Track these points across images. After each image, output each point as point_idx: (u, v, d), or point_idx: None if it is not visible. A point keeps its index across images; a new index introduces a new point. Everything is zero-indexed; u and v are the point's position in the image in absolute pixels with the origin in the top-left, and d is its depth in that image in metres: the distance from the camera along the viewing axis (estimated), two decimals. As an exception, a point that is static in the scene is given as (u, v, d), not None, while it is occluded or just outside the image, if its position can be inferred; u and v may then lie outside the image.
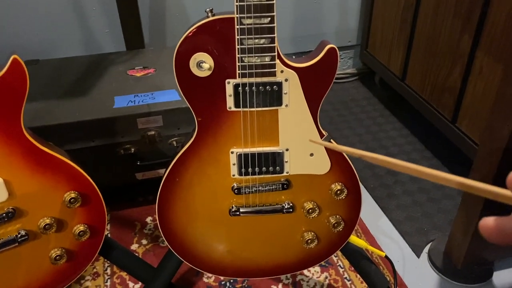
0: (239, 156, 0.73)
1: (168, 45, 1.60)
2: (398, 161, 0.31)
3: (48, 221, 0.74)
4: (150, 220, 1.18)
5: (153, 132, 1.09)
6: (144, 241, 1.12)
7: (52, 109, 1.07)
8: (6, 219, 0.71)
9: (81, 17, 1.47)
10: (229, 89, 0.69)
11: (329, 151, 0.74)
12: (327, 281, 1.02)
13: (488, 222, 0.25)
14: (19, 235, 0.73)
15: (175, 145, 1.11)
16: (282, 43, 1.71)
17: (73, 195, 0.74)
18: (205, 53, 0.67)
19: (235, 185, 0.76)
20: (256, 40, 0.65)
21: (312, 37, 1.74)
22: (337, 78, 1.84)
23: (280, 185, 0.76)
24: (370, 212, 1.22)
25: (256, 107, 0.70)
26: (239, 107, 0.70)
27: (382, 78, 1.68)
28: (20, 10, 1.41)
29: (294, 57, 0.66)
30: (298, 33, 1.72)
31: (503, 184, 0.32)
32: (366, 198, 1.26)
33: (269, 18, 0.63)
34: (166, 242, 0.81)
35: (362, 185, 1.30)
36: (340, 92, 1.79)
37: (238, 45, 0.65)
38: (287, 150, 0.74)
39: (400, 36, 1.50)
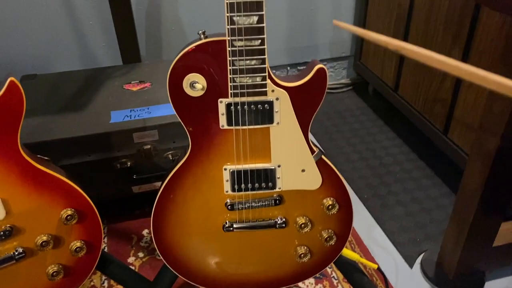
0: (232, 172, 0.75)
1: (164, 58, 1.62)
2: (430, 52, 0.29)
3: (45, 238, 0.75)
4: (147, 233, 1.19)
5: (149, 146, 1.10)
6: (140, 254, 1.13)
7: (49, 124, 1.08)
8: (3, 237, 0.72)
9: (78, 32, 1.49)
10: (222, 108, 0.70)
11: (321, 166, 0.76)
12: (321, 293, 1.03)
13: None
14: (16, 253, 0.74)
15: (171, 158, 1.13)
16: (277, 55, 1.74)
17: (69, 212, 0.75)
18: (198, 74, 0.68)
19: (229, 201, 0.77)
20: (248, 61, 0.67)
21: (306, 48, 1.76)
22: (331, 89, 1.86)
23: (273, 200, 0.78)
24: (364, 222, 1.23)
25: (248, 125, 0.72)
26: (232, 125, 0.72)
27: (376, 88, 1.70)
28: (18, 24, 1.42)
29: (289, 68, 0.68)
30: (292, 45, 1.74)
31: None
32: (360, 209, 1.28)
33: (260, 40, 0.65)
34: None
35: (356, 196, 1.32)
36: (334, 102, 1.81)
37: (230, 66, 0.67)
38: (279, 166, 0.75)
39: (392, 47, 1.52)
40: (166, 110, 1.13)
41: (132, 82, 1.26)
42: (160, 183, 0.78)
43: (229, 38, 0.65)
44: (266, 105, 0.70)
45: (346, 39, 1.81)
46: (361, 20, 1.69)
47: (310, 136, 0.76)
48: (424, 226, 1.21)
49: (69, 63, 1.52)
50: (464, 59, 1.18)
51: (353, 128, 1.64)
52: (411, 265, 1.11)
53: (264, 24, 0.64)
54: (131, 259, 1.11)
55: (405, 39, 1.43)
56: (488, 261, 1.03)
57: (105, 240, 1.17)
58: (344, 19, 1.76)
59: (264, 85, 0.69)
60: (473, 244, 0.97)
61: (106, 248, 1.15)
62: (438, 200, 1.30)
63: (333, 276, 1.07)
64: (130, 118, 1.11)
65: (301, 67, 1.79)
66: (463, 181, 0.95)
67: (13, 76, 0.67)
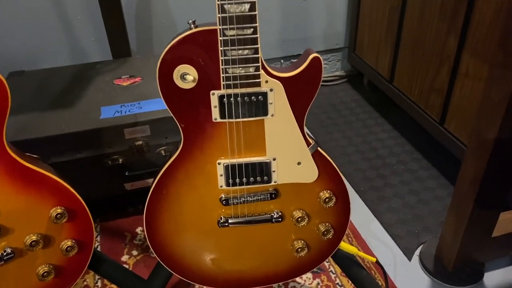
0: (226, 167, 0.73)
1: (155, 52, 1.59)
2: None
3: (34, 237, 0.73)
4: (140, 230, 1.17)
5: (140, 142, 1.08)
6: (134, 252, 1.11)
7: (38, 121, 1.06)
8: (-9, 238, 0.70)
9: (67, 27, 1.46)
10: (214, 101, 0.68)
11: (317, 159, 0.74)
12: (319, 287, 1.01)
13: None
14: (4, 253, 0.72)
15: (163, 154, 1.11)
16: (270, 47, 1.72)
17: (59, 210, 0.73)
18: (188, 65, 0.66)
19: (223, 196, 0.75)
20: (240, 51, 0.64)
21: (300, 40, 1.74)
22: (326, 81, 1.84)
23: (269, 194, 0.76)
24: (361, 215, 1.22)
25: (242, 117, 0.70)
26: (225, 118, 0.70)
27: (371, 80, 1.68)
28: (4, 20, 1.39)
29: (282, 61, 0.67)
30: (286, 37, 1.72)
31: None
32: (357, 202, 1.26)
33: (252, 29, 0.63)
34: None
35: (353, 189, 1.30)
36: (329, 95, 1.79)
37: (221, 56, 0.65)
38: (274, 159, 0.73)
39: (387, 38, 1.50)
40: (158, 105, 1.10)
41: (123, 77, 1.24)
42: (152, 179, 0.76)
43: (220, 27, 0.63)
44: (260, 97, 0.68)
45: (340, 31, 1.79)
46: (355, 10, 1.67)
47: (305, 130, 0.74)
48: (422, 218, 1.20)
49: (58, 59, 1.49)
50: (460, 47, 1.16)
51: (348, 121, 1.62)
52: (409, 257, 1.09)
53: (256, 12, 0.62)
54: (125, 258, 1.09)
55: (400, 28, 1.41)
56: (487, 252, 1.02)
57: (98, 238, 1.15)
58: (337, 10, 1.73)
59: (258, 76, 0.67)
60: (472, 235, 0.96)
61: (99, 246, 1.13)
62: (435, 192, 1.28)
63: (331, 270, 1.05)
64: (121, 113, 1.08)
65: (295, 60, 1.77)
66: (461, 172, 0.94)
67: (0, 73, 0.65)
